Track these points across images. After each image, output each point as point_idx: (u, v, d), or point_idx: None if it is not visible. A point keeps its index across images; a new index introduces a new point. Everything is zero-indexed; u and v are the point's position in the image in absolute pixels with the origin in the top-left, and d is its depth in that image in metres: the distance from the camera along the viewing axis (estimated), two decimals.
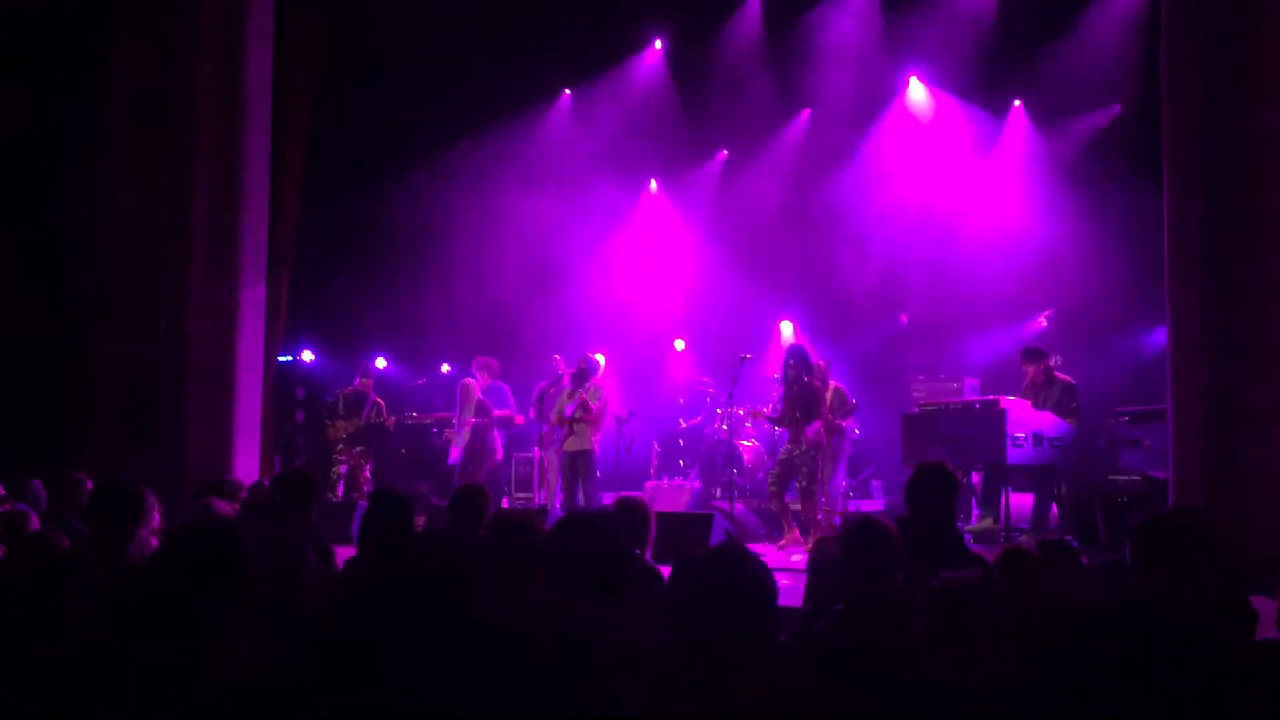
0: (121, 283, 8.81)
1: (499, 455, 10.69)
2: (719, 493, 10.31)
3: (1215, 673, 1.91)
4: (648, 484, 11.26)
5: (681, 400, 12.33)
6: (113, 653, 2.39)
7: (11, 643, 2.63)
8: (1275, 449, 6.35)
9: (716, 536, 7.49)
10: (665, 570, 3.74)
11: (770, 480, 8.64)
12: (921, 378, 11.14)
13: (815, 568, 4.43)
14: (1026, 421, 8.02)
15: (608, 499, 8.26)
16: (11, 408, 8.64)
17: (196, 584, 2.35)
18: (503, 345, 11.66)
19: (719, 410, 10.98)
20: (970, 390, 10.29)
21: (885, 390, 10.94)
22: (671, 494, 10.77)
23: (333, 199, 11.65)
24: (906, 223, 11.86)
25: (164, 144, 8.75)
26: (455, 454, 10.37)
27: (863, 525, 3.32)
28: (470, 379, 10.50)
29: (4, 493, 5.96)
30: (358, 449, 11.09)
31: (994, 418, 7.94)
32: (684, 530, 7.54)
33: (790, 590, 4.37)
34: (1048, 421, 8.14)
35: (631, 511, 4.50)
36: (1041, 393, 8.54)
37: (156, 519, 5.07)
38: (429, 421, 12.17)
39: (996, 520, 8.19)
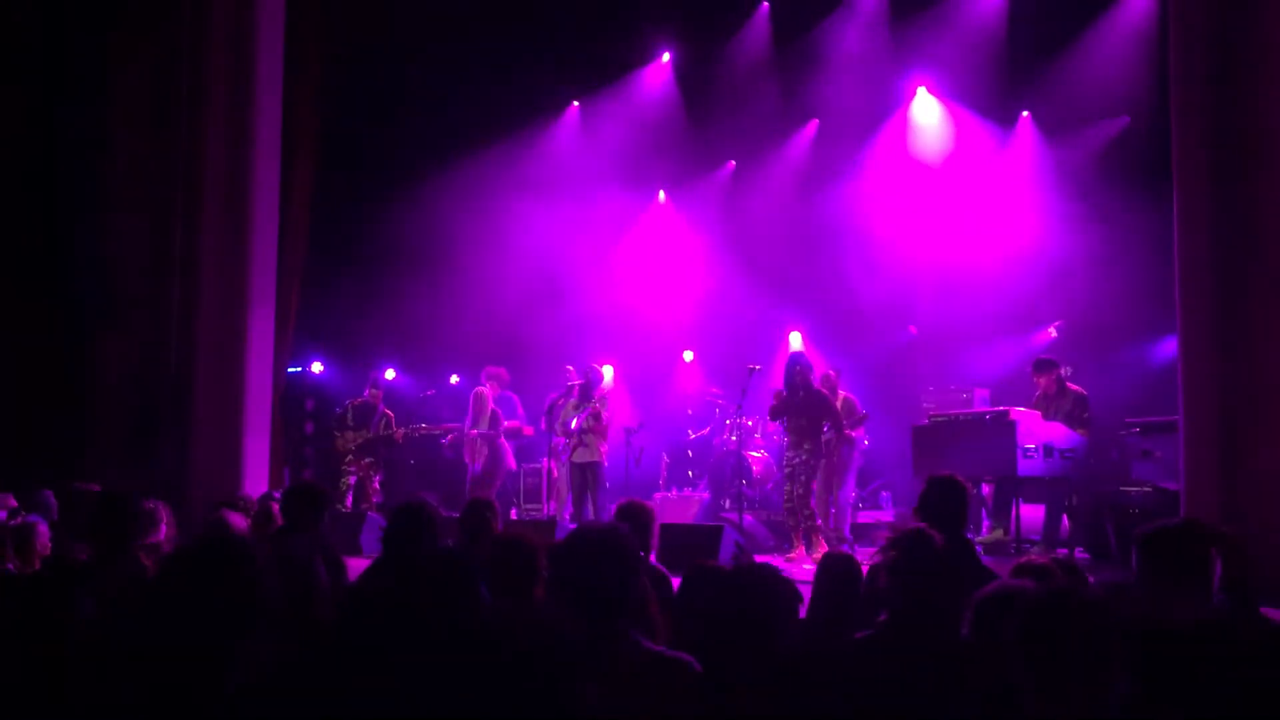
0: (129, 292, 8.81)
1: (512, 465, 10.69)
2: (728, 504, 10.29)
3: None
4: (656, 495, 11.24)
5: (690, 411, 12.32)
6: (117, 662, 2.40)
7: (23, 652, 2.63)
8: None
9: (726, 548, 7.47)
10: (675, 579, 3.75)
11: (786, 496, 8.58)
12: (931, 389, 11.11)
13: (824, 579, 4.41)
14: (1037, 433, 7.98)
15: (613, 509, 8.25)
16: (19, 417, 8.64)
17: (204, 595, 2.35)
18: (511, 356, 11.66)
19: (728, 421, 10.96)
20: (980, 401, 10.25)
21: (895, 401, 10.91)
22: (680, 505, 10.76)
23: (342, 210, 11.69)
24: (915, 233, 11.85)
25: (172, 152, 8.77)
26: (471, 461, 10.37)
27: (915, 537, 3.31)
28: (482, 388, 10.51)
29: (16, 505, 5.98)
30: (367, 460, 11.10)
31: (1004, 429, 7.92)
32: (693, 542, 7.53)
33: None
34: (1059, 433, 8.11)
35: (634, 516, 4.51)
36: (1052, 404, 8.51)
37: (165, 531, 5.09)
38: (438, 432, 12.18)
39: (1007, 532, 8.15)
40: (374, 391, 11.38)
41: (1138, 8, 10.98)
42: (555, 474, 10.30)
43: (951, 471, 4.85)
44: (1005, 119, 11.95)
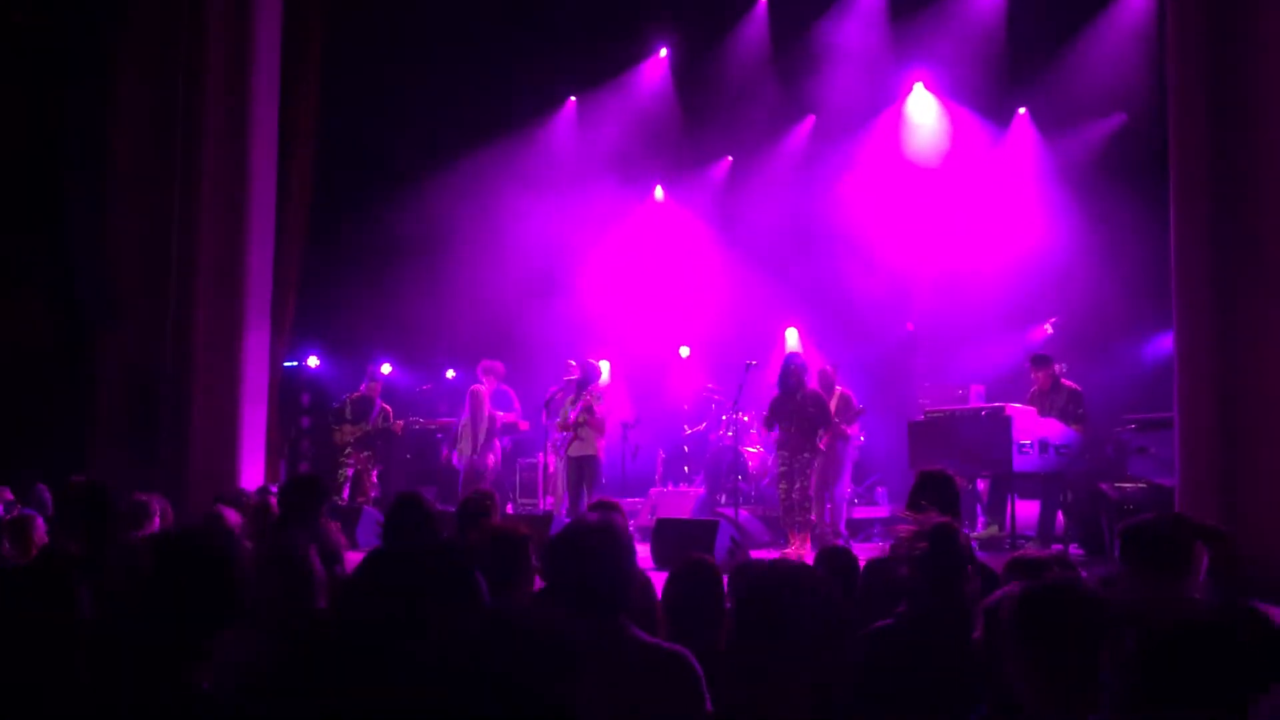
0: (128, 288, 8.83)
1: (497, 459, 10.67)
2: (724, 499, 10.31)
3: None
4: (652, 490, 11.26)
5: (686, 407, 12.33)
6: (106, 654, 2.41)
7: (20, 645, 2.64)
8: None
9: (721, 543, 7.49)
10: (658, 576, 3.76)
11: (781, 493, 8.60)
12: (927, 385, 11.13)
13: (824, 572, 4.42)
14: (1033, 429, 8.00)
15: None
16: (18, 413, 8.67)
17: (178, 588, 2.34)
18: (508, 351, 11.66)
19: (724, 417, 10.97)
20: (976, 397, 10.28)
21: (891, 397, 10.93)
22: (676, 500, 10.77)
23: (338, 204, 11.67)
24: (912, 229, 11.86)
25: (171, 150, 8.78)
26: (455, 459, 10.38)
27: (944, 530, 3.31)
28: (479, 385, 10.51)
29: (12, 498, 5.98)
30: (365, 454, 11.12)
31: (1000, 425, 7.93)
32: (689, 536, 7.54)
33: None
34: (1054, 429, 8.13)
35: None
36: (1048, 400, 8.53)
37: (159, 524, 5.10)
38: (434, 427, 12.18)
39: (1002, 527, 8.18)
40: (372, 385, 11.39)
41: (1136, 6, 10.99)
42: (552, 468, 10.30)
43: (948, 467, 4.86)
44: (1002, 116, 11.96)
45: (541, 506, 10.48)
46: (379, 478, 11.25)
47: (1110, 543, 7.46)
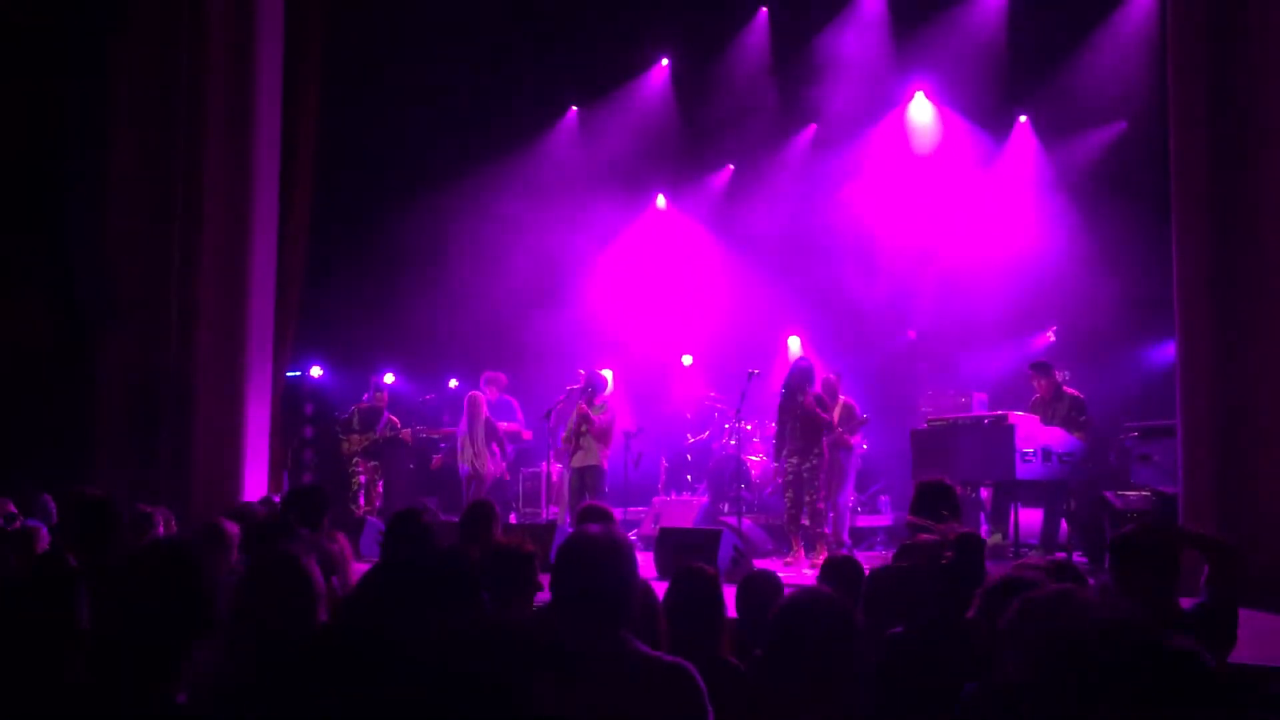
0: (130, 293, 8.83)
1: (498, 466, 10.67)
2: (726, 508, 10.30)
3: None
4: (655, 499, 11.26)
5: (689, 415, 12.32)
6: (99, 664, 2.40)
7: (22, 656, 2.65)
8: None
9: (724, 552, 7.48)
10: (661, 586, 3.76)
11: (788, 501, 8.57)
12: (930, 393, 11.12)
13: (832, 581, 4.42)
14: (1035, 437, 7.99)
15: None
16: (19, 420, 8.65)
17: (146, 602, 2.34)
18: (510, 360, 11.67)
19: (727, 425, 10.97)
20: (979, 405, 10.27)
21: (893, 406, 10.92)
22: (679, 509, 10.76)
23: (341, 214, 11.70)
24: (913, 237, 11.86)
25: (173, 154, 8.78)
26: (462, 468, 10.38)
27: (970, 540, 3.32)
28: (477, 391, 10.52)
29: (14, 510, 5.98)
30: (373, 463, 11.18)
31: (1003, 433, 7.92)
32: (692, 546, 7.53)
33: None
34: (1057, 437, 8.12)
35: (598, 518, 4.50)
36: (1050, 408, 8.52)
37: (162, 534, 5.10)
38: (437, 436, 12.20)
39: (1005, 536, 8.16)
40: (377, 395, 11.44)
41: (1137, 13, 11.00)
42: (555, 478, 10.30)
43: (951, 475, 4.86)
44: (1003, 124, 11.97)
45: (545, 515, 10.48)
46: (383, 487, 11.27)
47: None
